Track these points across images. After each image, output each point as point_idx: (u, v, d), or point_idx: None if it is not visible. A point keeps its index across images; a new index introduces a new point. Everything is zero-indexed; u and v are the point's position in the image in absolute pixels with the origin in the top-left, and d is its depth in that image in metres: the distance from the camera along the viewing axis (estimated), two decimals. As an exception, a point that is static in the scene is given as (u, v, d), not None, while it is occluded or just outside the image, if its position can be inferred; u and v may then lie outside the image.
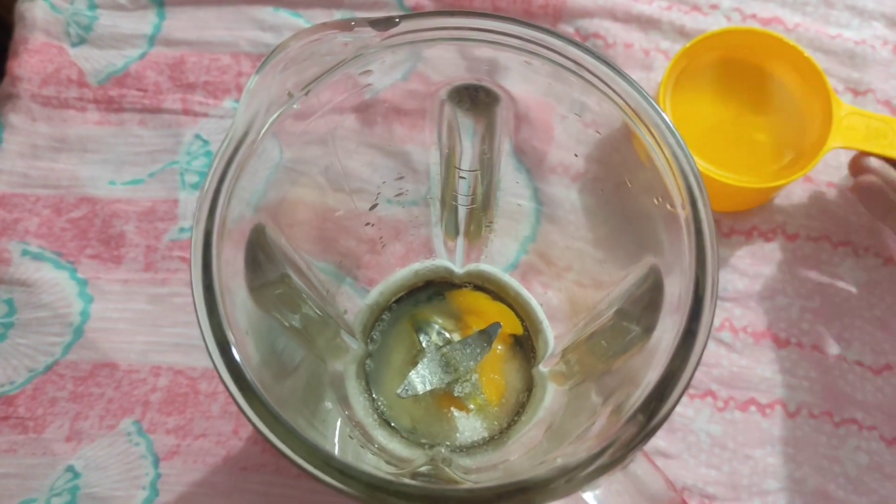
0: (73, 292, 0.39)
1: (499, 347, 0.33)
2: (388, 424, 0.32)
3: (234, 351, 0.20)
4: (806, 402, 0.37)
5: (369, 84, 0.25)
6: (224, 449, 0.36)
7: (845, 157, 0.40)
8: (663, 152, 0.22)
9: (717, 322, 0.39)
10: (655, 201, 0.23)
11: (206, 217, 0.21)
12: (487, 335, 0.32)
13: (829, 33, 0.44)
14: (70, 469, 0.36)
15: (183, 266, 0.40)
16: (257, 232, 0.24)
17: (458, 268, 0.35)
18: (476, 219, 0.32)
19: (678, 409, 0.37)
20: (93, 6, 0.45)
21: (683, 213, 0.21)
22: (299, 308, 0.27)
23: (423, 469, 0.28)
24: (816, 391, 0.37)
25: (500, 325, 0.32)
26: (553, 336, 0.33)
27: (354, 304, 0.34)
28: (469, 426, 0.32)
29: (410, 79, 0.26)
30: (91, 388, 0.37)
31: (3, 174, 0.42)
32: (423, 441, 0.31)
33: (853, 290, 0.39)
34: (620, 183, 0.27)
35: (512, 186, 0.32)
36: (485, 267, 0.35)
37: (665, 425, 0.20)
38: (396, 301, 0.35)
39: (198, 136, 0.43)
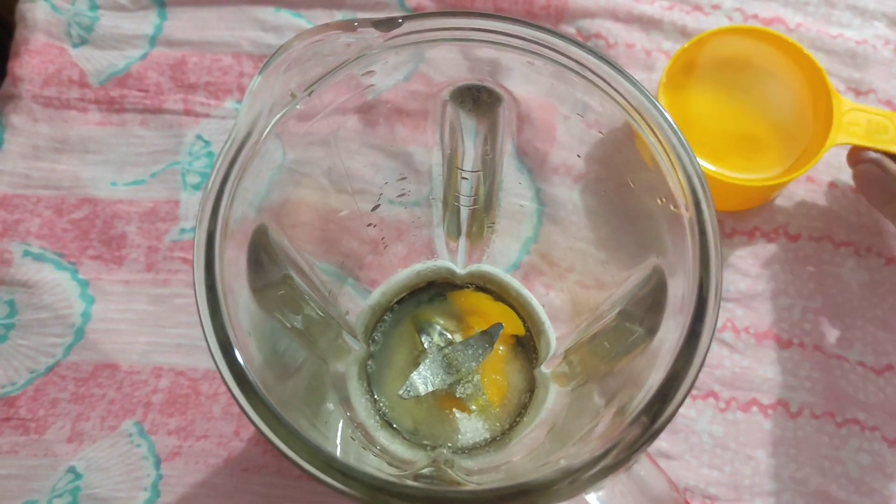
0: (74, 293, 0.39)
1: (501, 348, 0.33)
2: (390, 426, 0.32)
3: (236, 352, 0.20)
4: (808, 403, 0.37)
5: (372, 85, 0.25)
6: (225, 450, 0.36)
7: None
8: (666, 152, 0.22)
9: (719, 322, 0.39)
10: (658, 202, 0.23)
11: (209, 218, 0.21)
12: (489, 336, 0.32)
13: (831, 33, 0.44)
14: (71, 470, 0.36)
15: (184, 267, 0.40)
16: (260, 233, 0.24)
17: (460, 268, 0.35)
18: (478, 219, 0.32)
19: (680, 409, 0.38)
20: (94, 7, 0.45)
21: (687, 213, 0.21)
22: (301, 309, 0.27)
23: (425, 471, 0.28)
24: (818, 392, 0.37)
25: (502, 326, 0.32)
26: (555, 337, 0.33)
27: (356, 304, 0.34)
28: (471, 427, 0.32)
29: (413, 79, 0.26)
30: (92, 389, 0.37)
31: (4, 175, 0.42)
32: (426, 442, 0.31)
33: (855, 290, 0.39)
34: (623, 183, 0.27)
35: (514, 187, 0.32)
36: (487, 267, 0.35)
37: (668, 425, 0.20)
38: (398, 302, 0.35)
39: (199, 137, 0.43)
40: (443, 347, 0.32)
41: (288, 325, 0.26)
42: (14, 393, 0.37)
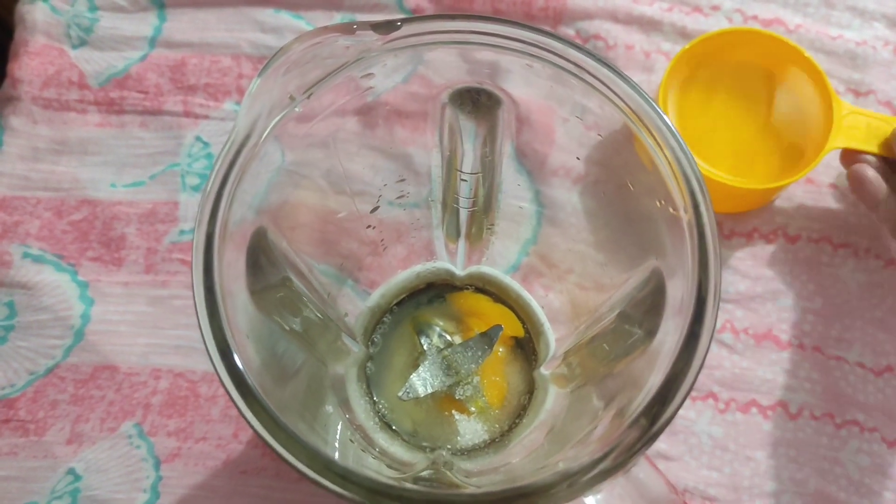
0: (73, 295, 0.39)
1: (500, 350, 0.33)
2: (390, 427, 0.32)
3: (234, 356, 0.20)
4: (807, 404, 0.37)
5: (371, 87, 0.25)
6: (224, 452, 0.36)
7: (846, 159, 0.40)
8: (665, 155, 0.22)
9: (718, 324, 0.39)
10: (657, 204, 0.23)
11: (207, 220, 0.21)
12: (489, 337, 0.32)
13: (831, 34, 0.44)
14: (71, 472, 0.36)
15: (183, 268, 0.40)
16: (259, 235, 0.24)
17: (460, 270, 0.35)
18: (477, 221, 0.32)
19: (680, 410, 0.38)
20: (93, 8, 0.45)
21: (686, 216, 0.21)
22: (300, 311, 0.27)
23: (424, 473, 0.28)
24: (818, 393, 0.37)
25: (502, 328, 0.32)
26: (554, 338, 0.33)
27: (355, 306, 0.34)
28: (470, 429, 0.32)
29: (412, 81, 0.26)
30: (92, 391, 0.37)
31: (3, 177, 0.42)
32: (425, 444, 0.31)
33: (854, 291, 0.39)
34: (622, 185, 0.27)
35: (513, 189, 0.32)
36: (486, 269, 0.35)
37: (666, 427, 0.20)
38: (398, 303, 0.35)
39: (198, 139, 0.43)
40: (442, 349, 0.32)
41: (287, 327, 0.26)
42: (13, 395, 0.37)
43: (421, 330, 0.33)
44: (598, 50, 0.44)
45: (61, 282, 0.39)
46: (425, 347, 0.33)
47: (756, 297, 0.39)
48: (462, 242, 0.33)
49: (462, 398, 0.32)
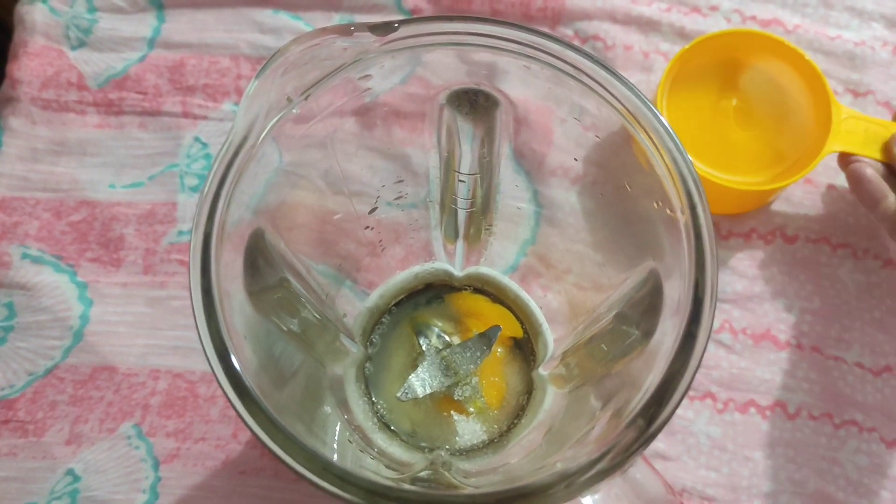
0: (72, 296, 0.39)
1: (498, 350, 0.33)
2: (388, 428, 0.32)
3: (232, 357, 0.20)
4: (806, 404, 0.37)
5: (369, 88, 0.25)
6: (223, 453, 0.36)
7: (845, 159, 0.40)
8: (662, 157, 0.22)
9: (716, 324, 0.39)
10: (655, 205, 0.23)
11: (205, 221, 0.21)
12: (487, 338, 0.32)
13: (829, 34, 0.44)
14: (70, 472, 0.36)
15: (181, 269, 0.40)
16: (256, 236, 0.24)
17: (458, 271, 0.35)
18: (475, 222, 0.32)
19: (678, 410, 0.37)
20: (92, 9, 0.45)
21: (683, 217, 0.21)
22: (298, 312, 0.27)
23: (422, 474, 0.28)
24: (816, 393, 0.37)
25: (500, 328, 0.32)
26: (553, 339, 0.33)
27: (354, 307, 0.34)
28: (469, 429, 0.32)
29: (410, 82, 0.26)
30: (91, 392, 0.37)
31: (2, 177, 0.42)
32: (423, 444, 0.31)
33: (853, 291, 0.39)
34: (620, 186, 0.27)
35: (511, 189, 0.32)
36: (484, 270, 0.35)
37: (664, 427, 0.20)
38: (396, 304, 0.35)
39: (197, 139, 0.43)
40: (441, 350, 0.32)
41: (285, 328, 0.26)
42: (13, 395, 0.37)
43: (419, 330, 0.33)
44: (596, 50, 0.44)
45: (60, 282, 0.39)
46: (424, 348, 0.33)
47: (754, 298, 0.39)
48: (460, 243, 0.33)
49: (461, 399, 0.32)
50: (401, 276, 0.35)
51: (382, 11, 0.45)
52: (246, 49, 0.44)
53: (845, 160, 0.38)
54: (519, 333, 0.34)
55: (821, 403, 0.37)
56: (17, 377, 0.38)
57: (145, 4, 0.45)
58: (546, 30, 0.41)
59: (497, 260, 0.35)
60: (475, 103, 0.26)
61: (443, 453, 0.30)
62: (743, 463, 0.36)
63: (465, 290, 0.35)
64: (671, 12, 0.45)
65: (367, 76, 0.24)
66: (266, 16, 0.45)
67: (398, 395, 0.31)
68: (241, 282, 0.23)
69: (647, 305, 0.24)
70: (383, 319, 0.34)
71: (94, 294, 0.39)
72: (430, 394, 0.31)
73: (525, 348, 0.34)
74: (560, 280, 0.34)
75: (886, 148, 0.37)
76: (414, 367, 0.32)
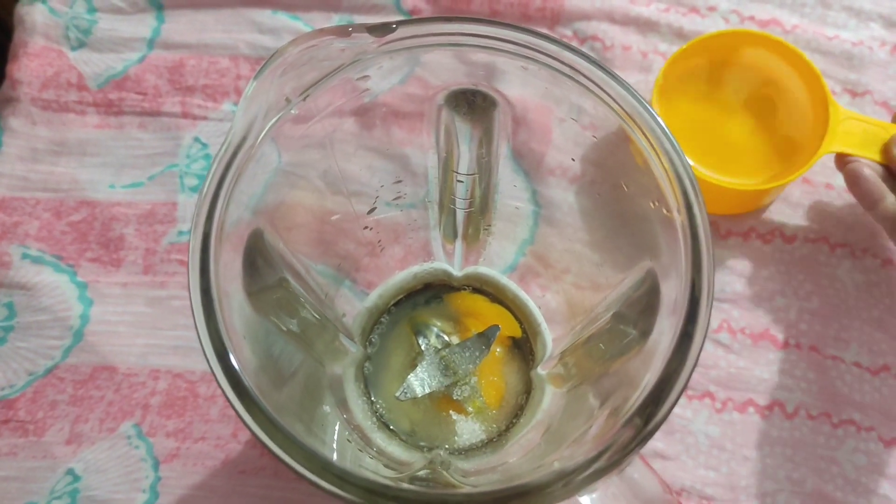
0: (72, 295, 0.39)
1: (497, 350, 0.34)
2: (387, 427, 0.32)
3: (231, 357, 0.20)
4: (804, 403, 0.37)
5: (367, 89, 0.25)
6: (223, 452, 0.36)
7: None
8: (659, 157, 0.22)
9: (715, 323, 0.39)
10: (652, 205, 0.23)
11: (204, 221, 0.21)
12: (486, 338, 0.32)
13: (827, 34, 0.44)
14: (70, 472, 0.36)
15: (181, 269, 0.40)
16: (255, 236, 0.24)
17: (457, 270, 0.35)
18: (474, 222, 0.33)
19: (676, 410, 0.38)
20: (92, 10, 0.46)
21: (679, 217, 0.21)
22: (297, 312, 0.27)
23: (421, 473, 0.28)
24: (814, 392, 0.38)
25: (499, 328, 0.33)
26: (551, 338, 0.34)
27: (353, 307, 0.34)
28: (468, 429, 0.32)
29: (408, 83, 0.26)
30: (91, 392, 0.37)
31: (3, 178, 0.42)
32: (422, 444, 0.31)
33: (851, 291, 0.39)
34: (617, 186, 0.27)
35: (510, 189, 0.32)
36: (483, 269, 0.35)
37: (663, 426, 0.20)
38: (395, 304, 0.35)
39: (197, 139, 0.43)
40: (440, 349, 0.33)
41: (284, 328, 0.26)
42: (13, 395, 0.37)
43: (418, 330, 0.34)
44: (595, 51, 0.44)
45: (60, 282, 0.39)
46: (423, 348, 0.33)
47: (753, 297, 0.39)
48: (459, 243, 0.33)
49: (459, 398, 0.32)
50: (400, 276, 0.35)
51: (382, 12, 0.45)
52: (245, 49, 0.44)
53: (842, 161, 0.38)
54: (517, 333, 0.34)
55: (819, 403, 0.37)
56: (17, 377, 0.38)
57: (145, 5, 0.46)
58: (544, 30, 0.42)
59: (496, 260, 0.35)
60: (473, 104, 0.26)
61: (441, 452, 0.30)
62: (741, 462, 0.36)
63: (464, 289, 0.35)
64: (669, 13, 0.45)
65: (365, 77, 0.24)
66: (265, 16, 0.45)
67: (397, 394, 0.31)
68: (240, 282, 0.23)
69: (644, 305, 0.24)
70: (382, 319, 0.34)
71: (94, 294, 0.39)
72: (429, 393, 0.31)
73: (524, 348, 0.34)
74: (558, 280, 0.34)
75: (886, 149, 0.37)
76: (413, 366, 0.32)
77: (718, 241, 0.40)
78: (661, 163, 0.22)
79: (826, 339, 0.38)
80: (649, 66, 0.44)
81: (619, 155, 0.24)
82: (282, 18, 0.45)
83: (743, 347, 0.38)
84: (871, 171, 0.37)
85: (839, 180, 0.41)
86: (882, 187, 0.36)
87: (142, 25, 0.45)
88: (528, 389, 0.33)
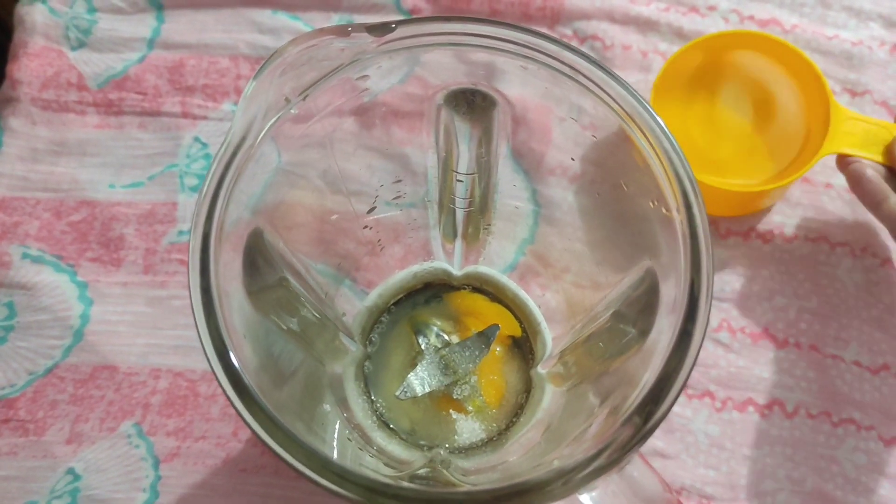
0: (73, 295, 0.39)
1: (497, 349, 0.34)
2: (387, 426, 0.32)
3: (231, 356, 0.20)
4: (804, 402, 0.37)
5: (367, 88, 0.25)
6: (224, 451, 0.36)
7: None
8: (658, 156, 0.22)
9: (714, 323, 0.39)
10: (651, 204, 0.23)
11: (203, 221, 0.21)
12: (486, 337, 0.32)
13: (827, 34, 0.44)
14: (70, 471, 0.36)
15: (182, 269, 0.40)
16: (255, 235, 0.24)
17: (457, 270, 0.35)
18: (474, 221, 0.33)
19: (676, 409, 0.38)
20: (92, 10, 0.46)
21: (678, 216, 0.22)
22: (297, 311, 0.27)
23: (421, 472, 0.28)
24: (814, 391, 0.38)
25: (499, 327, 0.33)
26: (551, 337, 0.34)
27: (353, 306, 0.34)
28: (468, 428, 0.32)
29: (408, 82, 0.26)
30: (91, 391, 0.38)
31: (3, 178, 0.42)
32: (422, 443, 0.31)
33: (851, 290, 0.39)
34: (617, 186, 0.27)
35: (509, 189, 0.32)
36: (483, 269, 0.35)
37: (663, 426, 0.20)
38: (395, 303, 0.35)
39: (197, 139, 0.43)
40: (440, 348, 0.33)
41: (284, 327, 0.26)
42: (13, 395, 0.37)
43: (418, 329, 0.34)
44: (595, 50, 0.44)
45: (60, 282, 0.39)
46: (423, 347, 0.33)
47: (752, 296, 0.39)
48: (459, 242, 0.33)
49: (459, 397, 0.32)
50: (400, 276, 0.35)
51: (381, 11, 0.45)
52: (245, 49, 0.45)
53: (843, 161, 0.38)
54: (517, 332, 0.34)
55: (819, 402, 0.37)
56: (17, 376, 0.38)
57: (145, 5, 0.46)
58: (544, 30, 0.42)
59: (496, 259, 0.35)
60: (472, 103, 0.27)
61: (442, 451, 0.30)
62: (741, 461, 0.37)
63: (464, 289, 0.35)
64: (669, 12, 0.45)
65: (364, 76, 0.24)
66: (265, 16, 0.45)
67: (397, 393, 0.31)
68: (240, 281, 0.23)
69: (643, 304, 0.24)
70: (382, 318, 0.35)
71: (95, 293, 0.39)
72: (429, 392, 0.31)
73: (523, 347, 0.34)
74: (558, 279, 0.34)
75: (888, 151, 0.37)
76: (413, 365, 0.32)
77: (718, 241, 0.40)
78: (661, 162, 0.22)
79: (826, 338, 0.39)
80: (649, 66, 0.44)
81: (619, 155, 0.24)
82: (282, 18, 0.45)
83: (743, 346, 0.38)
84: (873, 172, 0.37)
85: (839, 180, 0.41)
86: (885, 188, 0.36)
87: (142, 25, 0.45)
88: (527, 388, 0.33)
